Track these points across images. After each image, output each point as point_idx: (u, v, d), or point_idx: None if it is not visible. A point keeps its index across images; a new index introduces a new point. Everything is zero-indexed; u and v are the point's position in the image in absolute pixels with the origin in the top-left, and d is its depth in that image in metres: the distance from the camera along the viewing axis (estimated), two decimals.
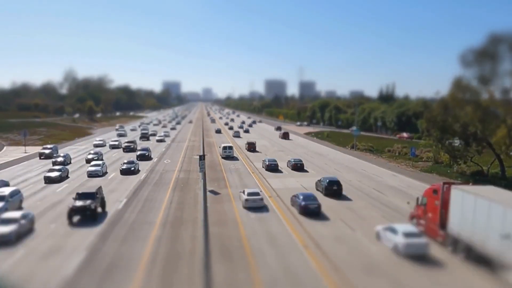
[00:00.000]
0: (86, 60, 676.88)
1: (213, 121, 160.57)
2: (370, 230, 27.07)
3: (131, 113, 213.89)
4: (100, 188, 31.50)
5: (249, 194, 32.36)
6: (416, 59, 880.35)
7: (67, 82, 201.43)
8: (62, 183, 41.91)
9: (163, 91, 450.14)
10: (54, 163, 51.55)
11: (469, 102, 44.68)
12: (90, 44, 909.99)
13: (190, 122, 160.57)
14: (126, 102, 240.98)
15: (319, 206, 30.59)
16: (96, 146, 76.45)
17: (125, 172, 46.72)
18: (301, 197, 31.26)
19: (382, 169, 53.48)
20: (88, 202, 28.28)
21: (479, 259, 21.04)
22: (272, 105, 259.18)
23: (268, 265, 21.08)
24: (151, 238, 25.09)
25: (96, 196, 29.50)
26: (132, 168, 47.39)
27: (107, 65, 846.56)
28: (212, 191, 37.84)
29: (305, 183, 42.39)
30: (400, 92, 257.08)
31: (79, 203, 28.11)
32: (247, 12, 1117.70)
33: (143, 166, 52.65)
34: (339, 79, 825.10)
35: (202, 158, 40.39)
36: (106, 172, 47.39)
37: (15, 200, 30.70)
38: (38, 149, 71.42)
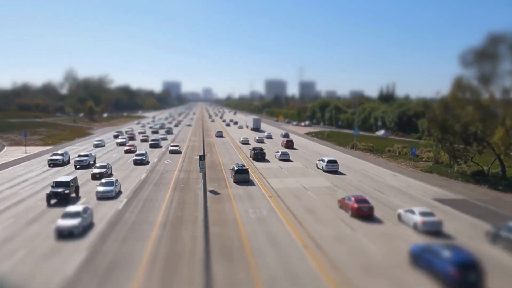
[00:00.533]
0: (87, 61, 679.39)
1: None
2: (370, 230, 27.10)
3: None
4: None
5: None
6: (416, 59, 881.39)
7: (68, 82, 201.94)
8: None
9: (163, 91, 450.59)
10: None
11: (469, 102, 44.67)
12: (91, 44, 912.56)
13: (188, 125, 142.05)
14: (126, 102, 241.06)
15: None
16: (96, 146, 76.42)
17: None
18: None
19: (382, 169, 53.48)
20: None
21: None
22: (272, 105, 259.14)
23: (268, 265, 21.09)
24: (151, 238, 25.10)
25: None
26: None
27: (108, 66, 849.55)
28: (212, 191, 37.86)
29: (305, 183, 42.40)
30: (400, 92, 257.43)
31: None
32: (247, 12, 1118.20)
33: (139, 172, 52.68)
34: (339, 79, 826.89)
35: (202, 158, 40.41)
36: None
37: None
38: (38, 149, 71.59)
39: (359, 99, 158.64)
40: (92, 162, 53.79)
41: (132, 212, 30.95)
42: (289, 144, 76.50)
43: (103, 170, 44.92)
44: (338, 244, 24.38)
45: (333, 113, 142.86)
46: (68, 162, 55.43)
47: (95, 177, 43.49)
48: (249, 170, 43.58)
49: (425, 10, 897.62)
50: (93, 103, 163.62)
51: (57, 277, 19.42)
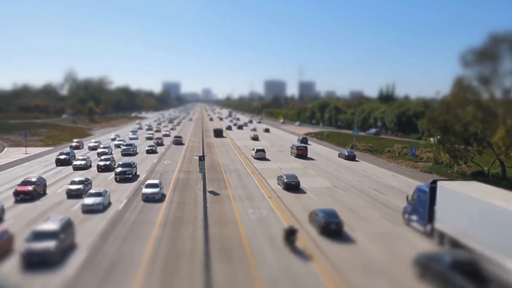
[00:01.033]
0: (87, 62, 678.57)
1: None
2: (370, 230, 27.12)
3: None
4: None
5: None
6: (416, 59, 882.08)
7: (68, 83, 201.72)
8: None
9: (163, 92, 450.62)
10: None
11: (470, 102, 44.71)
12: (91, 45, 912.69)
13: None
14: (126, 103, 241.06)
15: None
16: (91, 148, 72.00)
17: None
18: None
19: (382, 170, 53.51)
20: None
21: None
22: (272, 105, 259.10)
23: (268, 265, 21.12)
24: (151, 238, 25.13)
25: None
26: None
27: (107, 66, 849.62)
28: (212, 192, 37.89)
29: (305, 184, 42.42)
30: (400, 92, 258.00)
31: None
32: (247, 13, 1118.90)
33: (142, 167, 52.73)
34: (339, 79, 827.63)
35: (202, 158, 40.45)
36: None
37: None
38: (38, 150, 71.61)
39: (358, 99, 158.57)
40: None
41: (132, 212, 30.98)
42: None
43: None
44: (338, 245, 24.39)
45: (333, 114, 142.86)
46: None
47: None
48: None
49: (425, 10, 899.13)
50: (93, 104, 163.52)
51: (58, 278, 19.46)
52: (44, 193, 37.04)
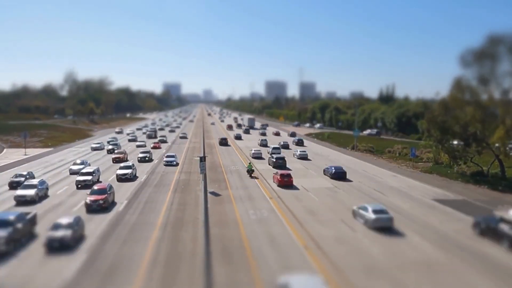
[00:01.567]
0: (87, 63, 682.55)
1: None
2: (371, 231, 27.11)
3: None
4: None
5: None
6: (416, 59, 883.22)
7: (68, 84, 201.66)
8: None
9: (163, 93, 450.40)
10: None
11: (469, 102, 44.72)
12: (91, 46, 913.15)
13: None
14: (126, 104, 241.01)
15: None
16: (94, 149, 73.46)
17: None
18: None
19: (382, 170, 53.52)
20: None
21: None
22: (272, 106, 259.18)
23: (269, 266, 21.12)
24: (152, 239, 25.14)
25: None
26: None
27: (108, 68, 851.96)
28: (212, 193, 37.89)
29: (306, 184, 42.43)
30: (400, 93, 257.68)
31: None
32: (247, 14, 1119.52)
33: (143, 168, 52.72)
34: (339, 80, 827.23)
35: (202, 159, 40.46)
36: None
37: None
38: (38, 151, 71.59)
39: (359, 100, 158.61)
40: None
41: (133, 214, 30.98)
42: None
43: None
44: (339, 245, 24.40)
45: (333, 114, 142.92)
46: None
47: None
48: None
49: (424, 11, 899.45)
50: (93, 105, 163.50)
51: (57, 279, 19.46)
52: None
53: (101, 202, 31.39)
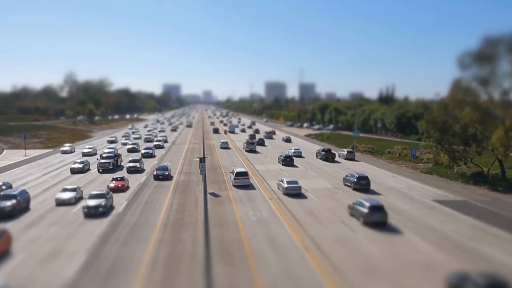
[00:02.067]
0: (87, 64, 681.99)
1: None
2: (371, 232, 27.10)
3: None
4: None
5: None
6: (415, 60, 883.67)
7: (68, 85, 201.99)
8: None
9: (163, 94, 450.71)
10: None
11: (468, 103, 44.73)
12: (91, 48, 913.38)
13: None
14: (126, 105, 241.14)
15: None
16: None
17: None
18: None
19: (382, 171, 53.50)
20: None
21: None
22: (272, 107, 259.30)
23: (269, 267, 21.10)
24: (152, 240, 25.11)
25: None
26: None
27: (108, 70, 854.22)
28: (212, 193, 37.87)
29: (306, 185, 42.40)
30: (400, 94, 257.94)
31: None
32: (247, 15, 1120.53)
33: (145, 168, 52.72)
34: (339, 81, 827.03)
35: (202, 160, 40.44)
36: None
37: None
38: (38, 152, 71.59)
39: (358, 100, 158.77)
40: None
41: (133, 215, 30.95)
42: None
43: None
44: (339, 246, 24.38)
45: (333, 115, 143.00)
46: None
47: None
48: None
49: (424, 12, 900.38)
50: (93, 106, 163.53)
51: (57, 280, 19.44)
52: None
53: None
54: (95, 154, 66.94)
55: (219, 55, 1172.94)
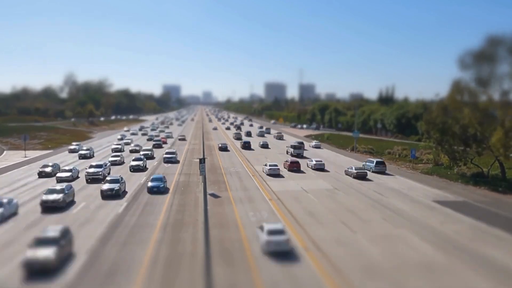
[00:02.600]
0: (86, 66, 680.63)
1: None
2: (371, 232, 27.08)
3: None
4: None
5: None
6: (415, 60, 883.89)
7: (67, 86, 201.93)
8: None
9: (163, 95, 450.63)
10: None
11: (467, 104, 44.73)
12: (91, 49, 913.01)
13: None
14: (126, 106, 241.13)
15: None
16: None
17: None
18: None
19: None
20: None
21: None
22: (272, 108, 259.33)
23: (269, 268, 21.07)
24: (152, 241, 25.09)
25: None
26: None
27: (108, 71, 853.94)
28: (212, 194, 37.86)
29: (305, 186, 42.41)
30: (399, 94, 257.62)
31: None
32: (247, 16, 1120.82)
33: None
34: (339, 81, 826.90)
35: (202, 161, 40.43)
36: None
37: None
38: (38, 153, 71.56)
39: (358, 101, 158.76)
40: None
41: (133, 215, 30.93)
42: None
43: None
44: (339, 247, 24.36)
45: (333, 116, 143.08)
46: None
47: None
48: None
49: (424, 12, 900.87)
50: (93, 107, 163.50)
51: (57, 281, 19.42)
52: None
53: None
54: (93, 156, 67.07)
55: (219, 56, 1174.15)
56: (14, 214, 31.19)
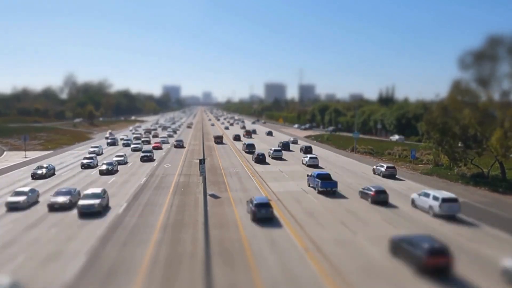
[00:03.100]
0: (86, 66, 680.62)
1: None
2: (371, 233, 27.07)
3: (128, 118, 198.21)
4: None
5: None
6: (415, 61, 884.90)
7: (67, 87, 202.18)
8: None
9: (163, 95, 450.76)
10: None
11: (467, 104, 44.71)
12: (91, 50, 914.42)
13: None
14: (126, 106, 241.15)
15: None
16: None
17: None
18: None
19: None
20: None
21: None
22: (272, 108, 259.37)
23: (269, 268, 21.07)
24: (152, 241, 25.09)
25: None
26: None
27: (108, 72, 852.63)
28: (212, 195, 37.85)
29: (306, 187, 42.39)
30: (399, 95, 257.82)
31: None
32: (246, 17, 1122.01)
33: (143, 170, 52.64)
34: (339, 82, 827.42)
35: (202, 162, 40.43)
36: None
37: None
38: (38, 154, 71.56)
39: (358, 101, 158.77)
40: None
41: (133, 216, 30.93)
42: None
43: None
44: (339, 247, 24.35)
45: (333, 116, 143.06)
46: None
47: None
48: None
49: (424, 12, 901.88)
50: (93, 107, 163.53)
51: (58, 281, 19.41)
52: None
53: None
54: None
55: (219, 57, 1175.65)
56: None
